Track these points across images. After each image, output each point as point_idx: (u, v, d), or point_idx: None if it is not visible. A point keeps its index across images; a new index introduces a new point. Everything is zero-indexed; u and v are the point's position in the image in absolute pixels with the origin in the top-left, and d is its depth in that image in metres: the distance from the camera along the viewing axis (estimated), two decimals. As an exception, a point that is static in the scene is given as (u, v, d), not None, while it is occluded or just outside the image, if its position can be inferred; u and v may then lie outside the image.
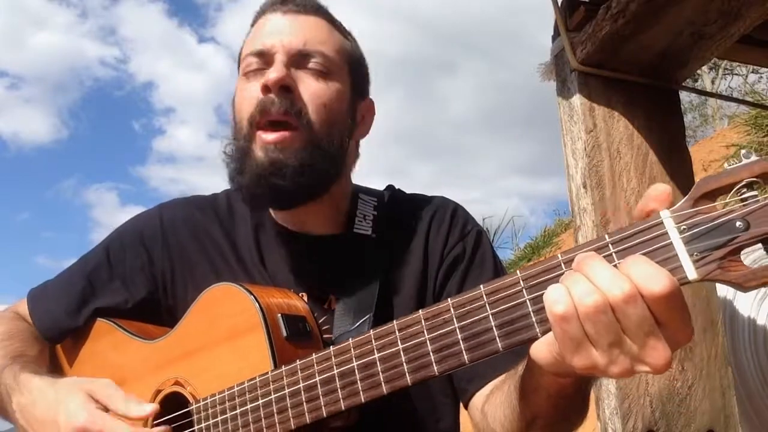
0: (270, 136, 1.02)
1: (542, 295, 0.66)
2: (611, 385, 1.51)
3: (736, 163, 0.62)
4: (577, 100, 1.58)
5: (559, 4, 1.62)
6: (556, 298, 0.63)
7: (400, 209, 1.20)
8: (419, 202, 1.21)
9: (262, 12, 1.13)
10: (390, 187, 1.28)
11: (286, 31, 1.07)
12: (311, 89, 1.05)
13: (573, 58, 1.57)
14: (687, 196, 0.64)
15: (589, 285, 0.62)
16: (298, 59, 1.06)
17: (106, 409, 0.95)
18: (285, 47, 1.05)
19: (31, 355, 1.13)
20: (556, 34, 1.68)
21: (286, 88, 1.03)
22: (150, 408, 0.94)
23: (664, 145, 1.60)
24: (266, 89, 1.03)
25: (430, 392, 1.09)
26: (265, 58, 1.06)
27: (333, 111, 1.07)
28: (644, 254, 0.63)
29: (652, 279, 0.60)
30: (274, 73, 1.02)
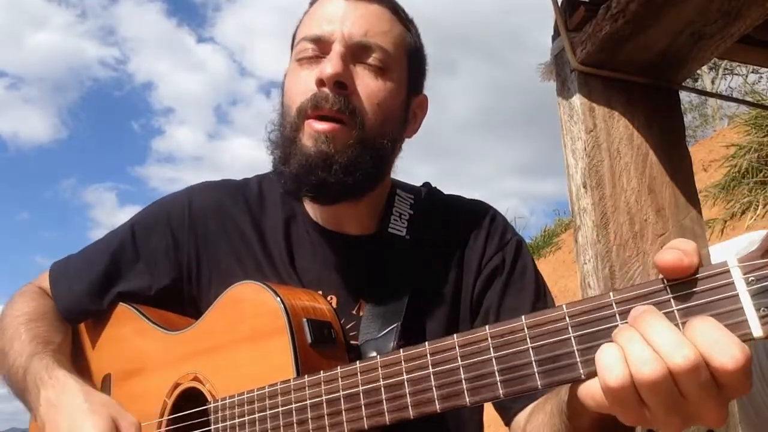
0: (321, 126, 0.97)
1: (589, 334, 0.64)
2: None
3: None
4: (577, 100, 1.58)
5: (559, 4, 1.62)
6: (610, 365, 0.58)
7: (437, 211, 1.15)
8: (456, 204, 1.17)
9: None
10: (427, 185, 1.23)
11: (348, 20, 1.00)
12: (368, 88, 1.00)
13: (573, 58, 1.57)
14: (757, 246, 0.59)
15: (648, 351, 0.57)
16: (357, 52, 1.00)
17: None
18: (344, 37, 0.99)
19: (56, 342, 1.10)
20: (556, 34, 1.68)
21: (341, 84, 0.97)
22: None
23: (664, 145, 1.60)
24: (321, 83, 0.97)
25: (458, 410, 1.07)
26: (322, 45, 1.00)
27: (387, 110, 1.02)
28: (707, 303, 0.59)
29: (722, 349, 0.54)
30: (330, 68, 0.96)
